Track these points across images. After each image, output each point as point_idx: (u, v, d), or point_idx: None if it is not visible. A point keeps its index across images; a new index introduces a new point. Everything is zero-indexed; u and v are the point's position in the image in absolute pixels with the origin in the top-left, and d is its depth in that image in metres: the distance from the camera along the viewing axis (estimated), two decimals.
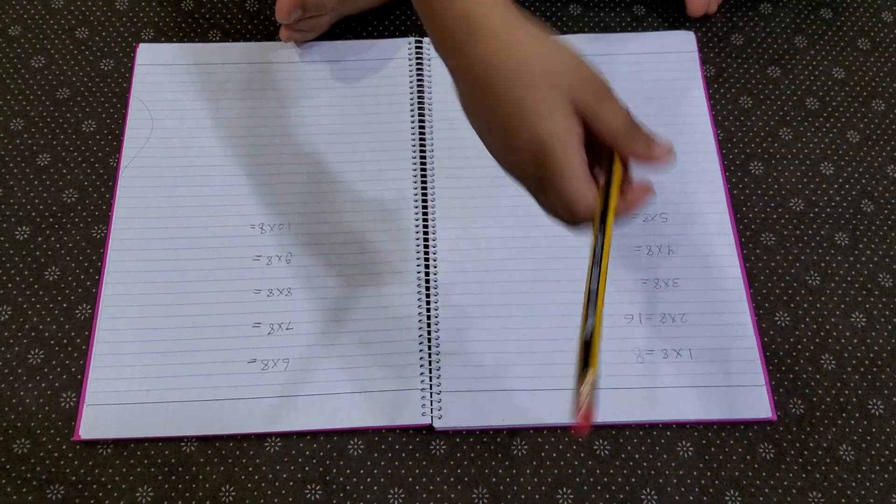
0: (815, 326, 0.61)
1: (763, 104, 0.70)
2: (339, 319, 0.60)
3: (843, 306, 0.62)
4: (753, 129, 0.69)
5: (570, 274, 0.61)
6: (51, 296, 0.61)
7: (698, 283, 0.61)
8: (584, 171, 0.44)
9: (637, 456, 0.57)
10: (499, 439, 0.57)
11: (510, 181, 0.65)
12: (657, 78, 0.70)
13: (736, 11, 0.75)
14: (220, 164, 0.66)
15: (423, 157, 0.66)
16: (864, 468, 0.57)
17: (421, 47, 0.71)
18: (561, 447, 0.57)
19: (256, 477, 0.56)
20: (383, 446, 0.57)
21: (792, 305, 0.62)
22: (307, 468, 0.56)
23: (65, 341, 0.59)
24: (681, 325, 0.60)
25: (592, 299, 0.45)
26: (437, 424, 0.57)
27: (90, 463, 0.56)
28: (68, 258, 0.62)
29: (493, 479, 0.56)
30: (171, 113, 0.68)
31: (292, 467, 0.56)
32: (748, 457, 0.57)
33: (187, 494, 0.55)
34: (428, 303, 0.61)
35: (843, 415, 0.58)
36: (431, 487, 0.56)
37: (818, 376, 0.59)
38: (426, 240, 0.63)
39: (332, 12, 0.69)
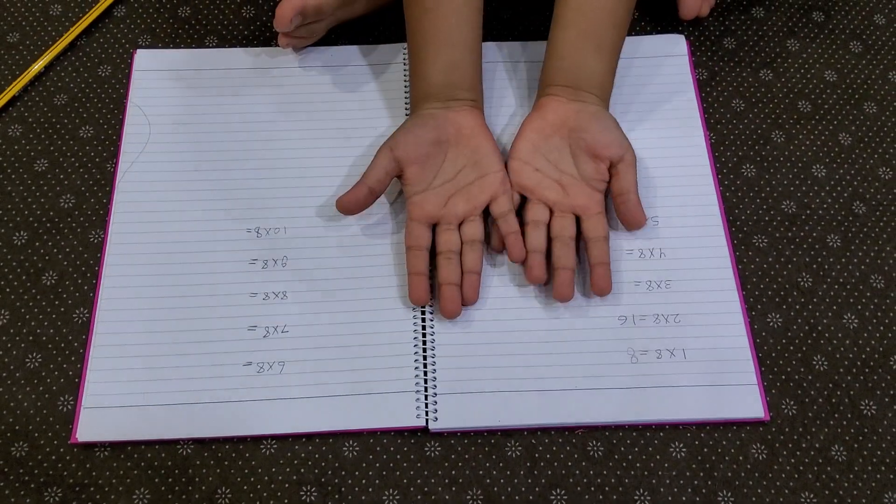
0: (807, 327, 0.61)
1: (755, 107, 0.70)
2: (334, 322, 0.60)
3: (835, 307, 0.62)
4: (746, 132, 0.69)
5: None
6: (48, 300, 0.62)
7: (691, 284, 0.62)
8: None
9: (630, 457, 0.57)
10: (493, 441, 0.57)
11: None
12: (649, 82, 0.70)
13: (728, 15, 0.75)
14: (216, 168, 0.66)
15: None
16: (856, 468, 0.57)
17: None
18: (555, 448, 0.57)
19: (252, 479, 0.56)
20: (378, 448, 0.57)
21: (784, 307, 0.62)
22: (302, 470, 0.56)
23: (62, 345, 0.60)
24: (674, 325, 0.60)
25: None
26: (432, 426, 0.57)
27: (87, 466, 0.56)
28: (66, 263, 0.63)
29: (488, 481, 0.56)
30: (168, 118, 0.68)
31: (288, 469, 0.56)
32: (741, 457, 0.57)
33: (184, 497, 0.55)
34: (422, 305, 0.61)
35: (836, 415, 0.58)
36: (426, 489, 0.56)
37: (810, 377, 0.60)
38: None
39: (331, 17, 0.70)
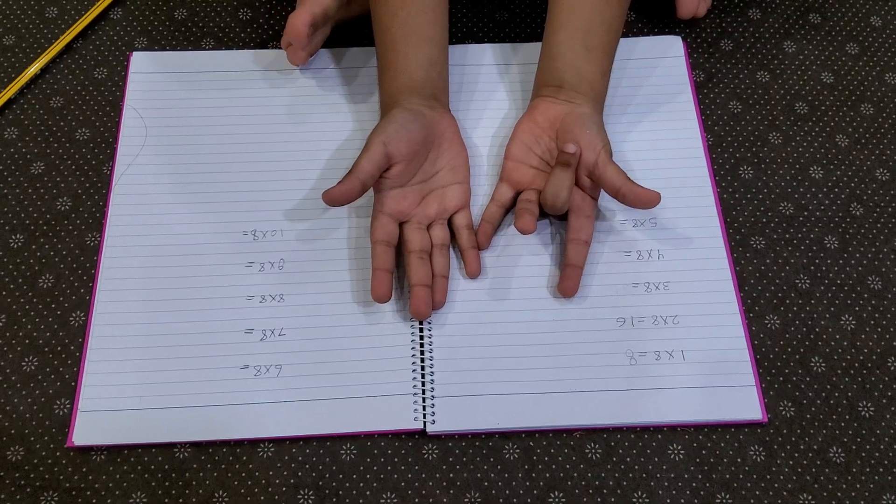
0: (804, 329, 0.61)
1: (752, 109, 0.70)
2: (331, 325, 0.60)
3: (832, 309, 0.62)
4: (743, 134, 0.69)
5: None
6: (45, 303, 0.61)
7: (689, 286, 0.62)
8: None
9: (628, 459, 0.57)
10: (491, 443, 0.57)
11: (496, 184, 0.65)
12: (645, 83, 0.70)
13: (725, 17, 0.75)
14: (212, 171, 0.66)
15: None
16: (854, 470, 0.57)
17: None
18: (553, 451, 0.57)
19: (249, 483, 0.56)
20: (376, 451, 0.57)
21: (782, 308, 0.62)
22: (300, 473, 0.56)
23: (58, 348, 0.60)
24: (672, 327, 0.60)
25: None
26: (430, 429, 0.57)
27: (84, 469, 0.56)
28: (62, 266, 0.63)
29: (486, 483, 0.56)
30: (165, 121, 0.68)
31: (285, 473, 0.56)
32: (739, 459, 0.57)
33: (181, 500, 0.55)
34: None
35: (834, 417, 0.58)
36: (424, 492, 0.56)
37: (808, 379, 0.60)
38: None
39: (331, 19, 0.69)
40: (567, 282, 0.60)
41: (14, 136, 0.68)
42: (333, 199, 0.58)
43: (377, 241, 0.60)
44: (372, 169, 0.59)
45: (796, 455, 0.57)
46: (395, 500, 0.55)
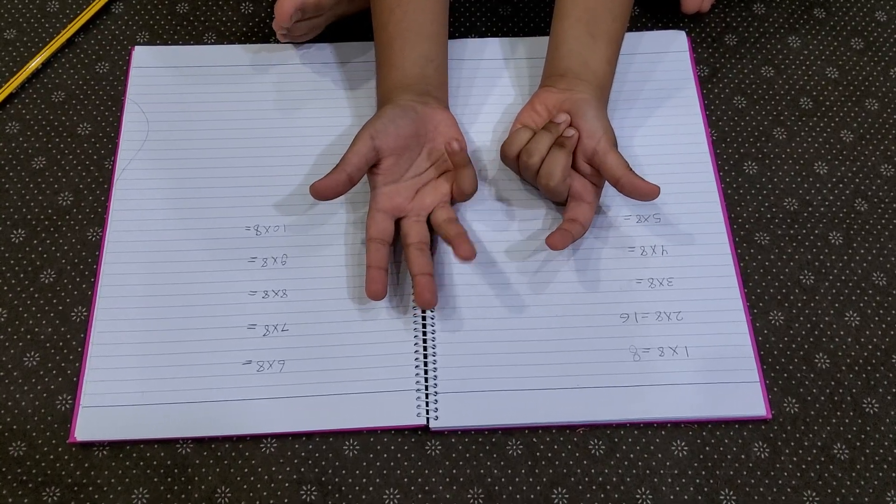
0: (809, 325, 0.61)
1: (757, 104, 0.70)
2: (334, 320, 0.60)
3: (836, 305, 0.62)
4: (747, 129, 0.69)
5: (564, 276, 0.62)
6: (46, 298, 0.61)
7: (693, 282, 0.62)
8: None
9: (632, 455, 0.57)
10: (494, 439, 0.57)
11: (499, 178, 0.65)
12: (650, 78, 0.70)
13: (729, 12, 0.75)
14: (215, 166, 0.66)
15: None
16: (858, 467, 0.57)
17: None
18: (556, 447, 0.57)
19: (252, 478, 0.56)
20: (378, 447, 0.57)
21: (786, 304, 0.62)
22: (303, 469, 0.56)
23: (60, 344, 0.60)
24: (676, 322, 0.60)
25: None
26: (433, 425, 0.57)
27: (86, 465, 0.56)
28: (64, 261, 0.63)
29: (489, 480, 0.56)
30: (167, 115, 0.68)
31: (288, 468, 0.56)
32: (743, 456, 0.57)
33: (183, 496, 0.55)
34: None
35: (838, 413, 0.58)
36: (427, 488, 0.56)
37: (812, 375, 0.60)
38: None
39: (329, 13, 0.69)
40: (555, 236, 0.58)
41: (15, 131, 0.68)
42: (319, 191, 0.58)
43: (371, 239, 0.59)
44: (358, 162, 0.58)
45: (800, 452, 0.57)
46: (397, 496, 0.55)
